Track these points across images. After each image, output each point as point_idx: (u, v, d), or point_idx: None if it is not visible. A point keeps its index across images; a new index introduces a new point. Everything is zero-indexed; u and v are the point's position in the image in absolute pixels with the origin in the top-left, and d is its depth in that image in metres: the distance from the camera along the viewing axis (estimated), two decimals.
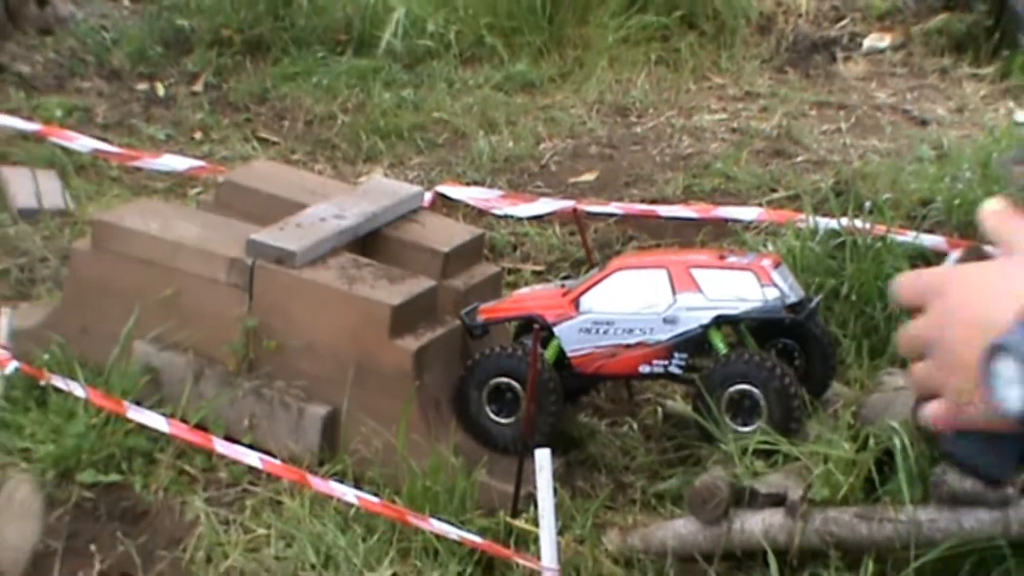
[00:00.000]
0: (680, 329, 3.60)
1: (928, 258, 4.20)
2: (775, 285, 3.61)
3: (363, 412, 3.64)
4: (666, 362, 3.64)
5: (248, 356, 3.74)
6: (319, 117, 5.79)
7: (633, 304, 3.63)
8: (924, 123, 5.93)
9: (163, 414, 3.68)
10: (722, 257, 3.73)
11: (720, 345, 3.60)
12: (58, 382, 3.78)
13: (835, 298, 4.09)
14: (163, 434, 3.68)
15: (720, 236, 4.53)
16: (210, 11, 6.40)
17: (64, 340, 3.89)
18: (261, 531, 3.51)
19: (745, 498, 3.35)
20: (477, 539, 3.36)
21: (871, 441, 3.37)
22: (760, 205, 4.69)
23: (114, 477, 3.66)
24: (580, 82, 6.23)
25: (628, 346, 3.64)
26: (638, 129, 5.77)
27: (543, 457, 3.18)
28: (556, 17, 6.52)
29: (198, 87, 5.98)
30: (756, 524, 3.32)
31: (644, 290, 3.64)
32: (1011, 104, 6.12)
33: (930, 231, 4.29)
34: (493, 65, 6.35)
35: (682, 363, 3.64)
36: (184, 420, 3.68)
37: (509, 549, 3.34)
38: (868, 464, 3.35)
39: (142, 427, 3.69)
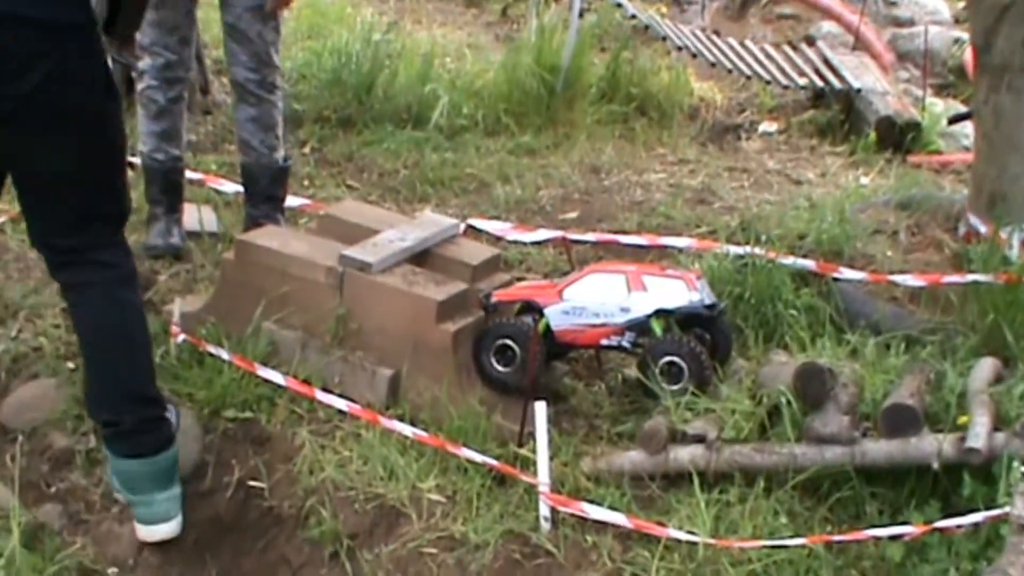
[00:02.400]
0: (632, 316, 3.60)
1: (804, 276, 4.19)
2: (698, 291, 3.60)
3: (417, 374, 3.62)
4: (621, 338, 3.63)
5: (339, 334, 3.71)
6: (387, 171, 5.76)
7: (600, 296, 3.62)
8: (799, 183, 5.89)
9: (281, 372, 3.67)
10: (663, 270, 3.72)
11: (657, 330, 3.59)
12: (211, 349, 3.77)
13: (740, 300, 4.06)
14: (280, 386, 3.67)
15: (663, 258, 4.51)
16: (315, 98, 6.38)
17: (216, 320, 3.87)
18: (346, 453, 3.49)
19: (678, 437, 3.34)
20: (494, 462, 3.35)
21: (764, 399, 3.36)
22: (691, 237, 4.67)
23: (248, 414, 3.65)
24: (567, 149, 6.20)
25: (594, 325, 3.63)
26: (606, 182, 5.74)
27: (540, 407, 3.18)
28: (551, 105, 6.48)
29: (306, 150, 5.96)
30: (685, 455, 3.30)
31: (609, 287, 3.63)
32: (858, 172, 6.09)
33: (805, 256, 4.27)
34: (507, 136, 6.32)
35: (631, 340, 3.63)
36: (295, 376, 3.67)
37: (516, 469, 3.33)
38: (762, 415, 3.34)
39: (266, 381, 3.68)
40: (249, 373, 3.69)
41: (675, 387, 3.50)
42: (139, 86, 4.52)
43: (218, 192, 5.08)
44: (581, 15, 6.64)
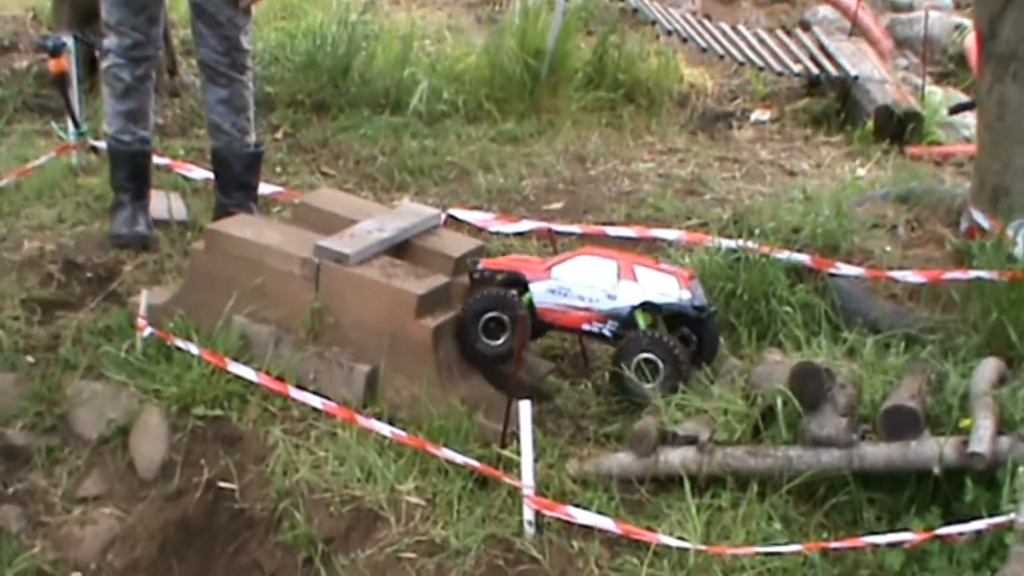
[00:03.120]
0: (617, 304, 3.61)
1: (799, 271, 4.19)
2: (689, 290, 3.61)
3: (395, 371, 3.61)
4: (602, 325, 3.65)
5: (314, 328, 3.70)
6: (364, 158, 5.74)
7: (588, 280, 3.63)
8: (793, 174, 5.90)
9: (253, 368, 3.66)
10: (657, 262, 3.72)
11: (641, 323, 3.60)
12: (180, 343, 3.75)
13: (732, 297, 4.06)
14: (252, 383, 3.65)
15: (651, 251, 4.49)
16: (288, 81, 6.35)
17: (184, 313, 3.85)
18: (322, 453, 3.48)
19: (668, 438, 3.34)
20: (476, 463, 3.34)
21: (758, 399, 3.36)
22: (680, 229, 4.67)
23: (218, 412, 3.64)
24: (551, 137, 6.19)
25: (578, 308, 3.64)
26: (592, 172, 5.74)
27: (524, 407, 3.16)
28: (535, 91, 6.47)
29: (279, 135, 5.93)
30: (676, 457, 3.30)
31: (599, 272, 3.65)
32: (854, 163, 6.10)
33: (800, 251, 4.26)
34: (489, 123, 6.31)
35: (613, 329, 3.64)
36: (268, 373, 3.65)
37: (499, 471, 3.32)
38: (755, 416, 3.34)
39: (238, 377, 3.67)
40: (219, 369, 3.68)
41: (649, 385, 3.52)
42: (103, 64, 4.48)
43: (186, 178, 5.05)
44: None
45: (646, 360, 3.53)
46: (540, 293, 3.66)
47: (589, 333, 3.70)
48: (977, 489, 3.01)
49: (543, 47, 6.48)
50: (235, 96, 4.52)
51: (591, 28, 7.53)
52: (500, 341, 3.62)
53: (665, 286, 3.62)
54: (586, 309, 3.64)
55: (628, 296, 3.61)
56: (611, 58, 6.84)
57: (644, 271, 3.63)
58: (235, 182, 4.63)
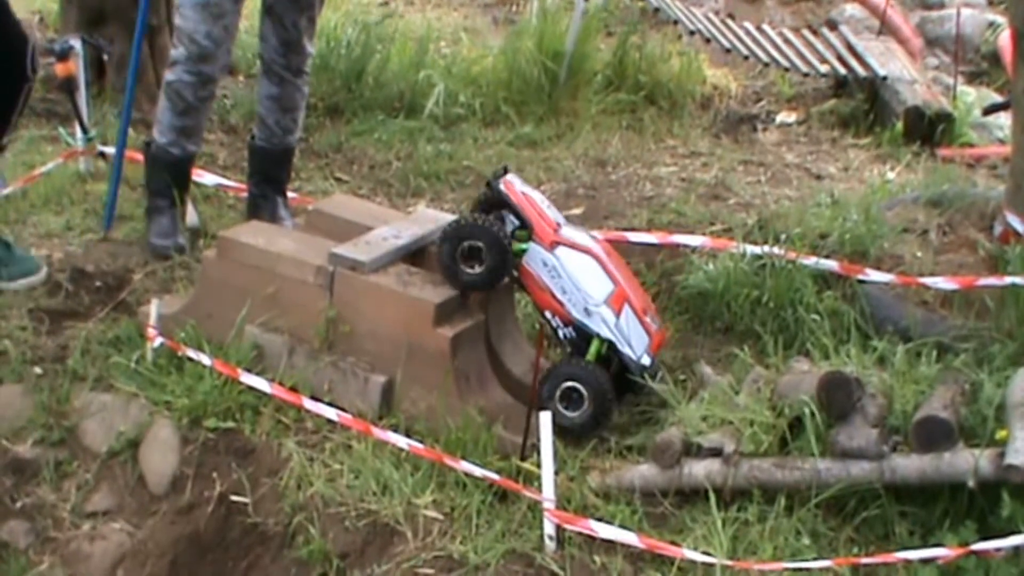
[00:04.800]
0: (587, 321, 3.64)
1: (826, 278, 4.18)
2: (652, 358, 3.67)
3: (412, 381, 3.61)
4: (564, 328, 3.68)
5: (328, 338, 3.70)
6: (379, 163, 5.76)
7: (581, 281, 3.64)
8: (820, 178, 5.89)
9: (266, 379, 3.67)
10: (645, 312, 3.73)
11: (592, 353, 3.65)
12: (191, 353, 3.76)
13: (758, 304, 4.07)
14: (266, 394, 3.66)
15: (674, 257, 4.49)
16: None
17: (196, 323, 3.86)
18: (336, 466, 3.48)
19: (693, 450, 3.34)
20: (495, 476, 3.34)
21: (786, 410, 3.35)
22: (704, 235, 4.66)
23: (230, 424, 3.64)
24: (571, 141, 6.20)
25: (554, 296, 3.65)
26: (613, 177, 5.74)
27: (545, 418, 3.17)
28: (554, 93, 6.49)
29: None
30: (700, 470, 3.30)
31: (594, 282, 3.66)
32: (884, 166, 6.09)
33: (827, 257, 4.25)
34: (507, 127, 6.32)
35: (568, 336, 3.68)
36: (281, 383, 3.66)
37: (518, 484, 3.32)
38: (783, 427, 3.33)
39: (251, 388, 3.68)
40: (232, 380, 3.69)
41: (569, 414, 3.56)
42: (167, 76, 4.49)
43: (197, 185, 5.06)
44: None
45: (572, 389, 3.57)
46: (535, 258, 3.67)
47: (546, 321, 3.72)
48: (1014, 503, 2.99)
49: (562, 48, 6.49)
50: (285, 95, 4.63)
51: (611, 28, 7.55)
52: (476, 270, 3.62)
53: (637, 341, 3.66)
54: (561, 303, 3.65)
55: (601, 325, 3.63)
56: (632, 59, 6.84)
57: (629, 314, 3.66)
58: (262, 174, 4.75)
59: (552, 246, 3.66)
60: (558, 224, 3.73)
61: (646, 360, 3.65)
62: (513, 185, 3.74)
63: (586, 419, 3.56)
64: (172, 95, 4.44)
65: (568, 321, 3.66)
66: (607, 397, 3.56)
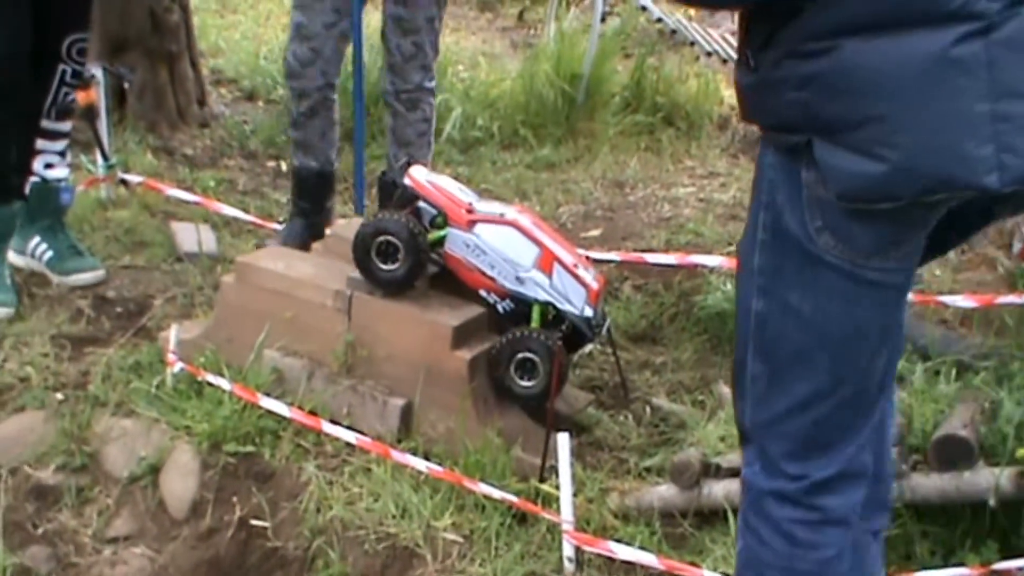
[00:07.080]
0: (522, 290, 3.63)
1: None
2: (593, 308, 3.63)
3: (431, 404, 3.61)
4: (500, 300, 3.67)
5: (347, 362, 3.71)
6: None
7: (506, 252, 3.62)
8: None
9: (285, 403, 3.67)
10: (582, 262, 3.70)
11: (536, 318, 3.63)
12: (210, 378, 3.77)
13: None
14: (285, 418, 3.66)
15: (692, 278, 4.48)
16: None
17: (215, 348, 3.88)
18: (356, 490, 3.48)
19: (712, 471, 3.32)
20: (514, 498, 3.33)
21: None
22: (722, 255, 4.65)
23: (250, 448, 3.64)
24: (589, 163, 6.22)
25: (484, 273, 3.65)
26: (631, 198, 5.75)
27: (563, 439, 3.16)
28: (571, 115, 6.51)
29: None
30: (720, 490, 3.28)
31: (519, 250, 3.63)
32: None
33: None
34: (525, 150, 6.34)
35: (507, 308, 3.67)
36: (300, 407, 3.67)
37: (537, 506, 3.32)
38: None
39: (270, 412, 3.68)
40: (251, 404, 3.69)
41: (526, 383, 3.55)
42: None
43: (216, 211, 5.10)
44: (603, 19, 6.67)
45: (526, 359, 3.55)
46: (455, 241, 3.65)
47: (483, 300, 3.70)
48: None
49: (579, 71, 6.51)
50: (396, 127, 4.70)
51: (628, 51, 7.56)
52: (393, 266, 3.62)
53: (575, 296, 3.63)
54: (491, 279, 3.65)
55: (535, 288, 3.62)
56: (649, 81, 6.86)
57: (561, 271, 3.63)
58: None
59: (469, 226, 3.64)
60: (470, 203, 3.71)
61: (588, 312, 3.62)
62: (418, 176, 3.74)
63: (544, 386, 3.53)
64: (287, 102, 4.61)
65: (504, 294, 3.65)
66: (561, 366, 3.53)
